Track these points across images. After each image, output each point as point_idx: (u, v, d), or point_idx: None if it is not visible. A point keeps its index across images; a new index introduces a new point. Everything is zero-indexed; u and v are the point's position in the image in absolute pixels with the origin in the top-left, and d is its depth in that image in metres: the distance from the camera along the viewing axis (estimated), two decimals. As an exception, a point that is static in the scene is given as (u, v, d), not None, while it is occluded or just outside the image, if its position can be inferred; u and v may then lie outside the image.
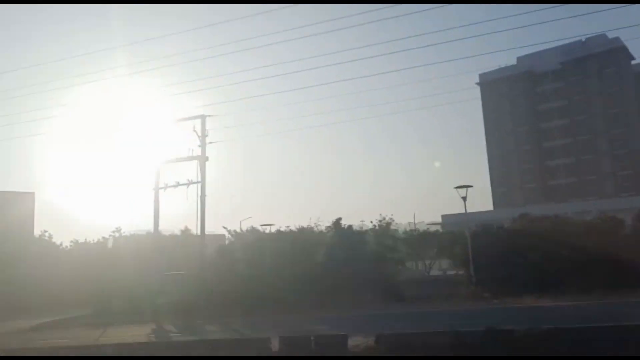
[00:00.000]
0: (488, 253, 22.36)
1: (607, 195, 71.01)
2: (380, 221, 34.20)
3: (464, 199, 22.97)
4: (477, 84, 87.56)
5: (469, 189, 23.49)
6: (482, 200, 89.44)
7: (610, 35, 75.24)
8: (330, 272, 23.75)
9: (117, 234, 39.43)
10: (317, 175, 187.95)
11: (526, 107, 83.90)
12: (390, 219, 37.74)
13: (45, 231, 44.72)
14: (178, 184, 24.33)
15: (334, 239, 26.83)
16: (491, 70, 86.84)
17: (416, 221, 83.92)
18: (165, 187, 24.72)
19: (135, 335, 17.66)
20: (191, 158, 24.39)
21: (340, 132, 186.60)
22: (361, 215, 69.52)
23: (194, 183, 24.12)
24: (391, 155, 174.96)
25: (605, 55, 77.73)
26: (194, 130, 24.37)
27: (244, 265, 26.06)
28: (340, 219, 27.36)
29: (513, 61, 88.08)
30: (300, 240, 27.12)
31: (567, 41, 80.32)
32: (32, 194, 50.87)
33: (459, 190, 22.90)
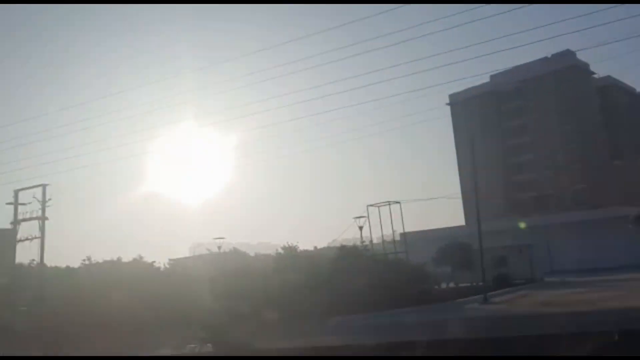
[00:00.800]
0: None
1: (566, 209, 73.23)
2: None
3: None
4: (447, 104, 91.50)
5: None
6: (458, 215, 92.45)
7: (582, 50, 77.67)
8: None
9: (87, 262, 48.97)
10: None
11: (493, 125, 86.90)
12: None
13: (33, 260, 54.73)
14: (25, 239, 32.49)
15: None
16: (460, 91, 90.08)
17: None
18: (20, 240, 33.01)
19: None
20: (32, 219, 32.56)
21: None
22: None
23: (36, 238, 32.18)
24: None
25: (563, 72, 79.80)
26: (34, 197, 32.52)
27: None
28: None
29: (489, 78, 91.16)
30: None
31: (534, 58, 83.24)
32: (15, 229, 60.78)
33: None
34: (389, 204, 34.02)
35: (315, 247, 54.12)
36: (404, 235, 74.29)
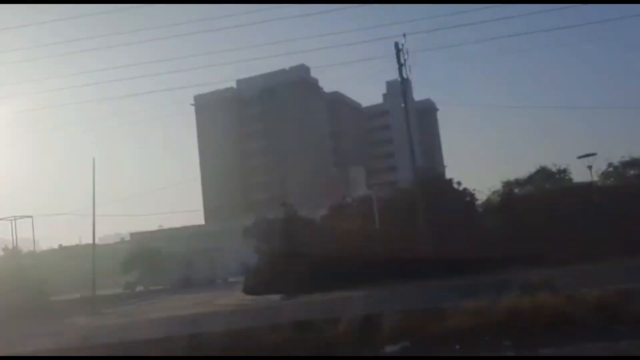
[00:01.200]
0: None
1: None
2: None
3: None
4: (192, 105, 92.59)
5: None
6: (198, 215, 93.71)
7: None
8: None
9: None
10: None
11: (234, 129, 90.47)
12: None
13: None
14: None
15: None
16: (206, 93, 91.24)
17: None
18: None
19: None
20: None
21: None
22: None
23: None
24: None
25: (297, 84, 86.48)
26: None
27: None
28: None
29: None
30: None
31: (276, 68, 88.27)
32: None
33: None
34: (15, 219, 33.09)
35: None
36: (134, 235, 73.91)
